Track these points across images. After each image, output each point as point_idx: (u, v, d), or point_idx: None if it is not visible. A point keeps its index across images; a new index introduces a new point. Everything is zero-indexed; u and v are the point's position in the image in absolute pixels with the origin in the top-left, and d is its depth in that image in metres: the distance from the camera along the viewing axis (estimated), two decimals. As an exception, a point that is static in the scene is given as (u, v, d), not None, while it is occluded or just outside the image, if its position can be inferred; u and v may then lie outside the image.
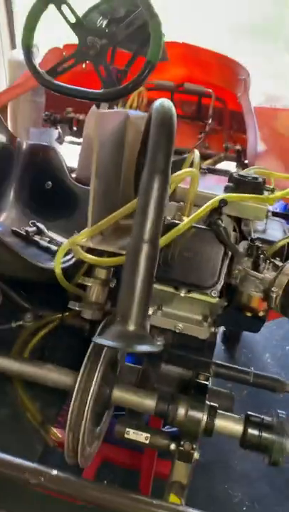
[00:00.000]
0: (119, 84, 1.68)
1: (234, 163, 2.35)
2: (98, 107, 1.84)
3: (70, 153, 2.17)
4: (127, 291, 0.80)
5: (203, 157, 2.52)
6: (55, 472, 0.70)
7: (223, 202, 0.97)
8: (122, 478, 2.21)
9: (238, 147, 2.24)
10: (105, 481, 2.20)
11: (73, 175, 1.89)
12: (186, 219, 0.99)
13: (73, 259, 1.21)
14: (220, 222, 0.96)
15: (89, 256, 1.02)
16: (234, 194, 1.08)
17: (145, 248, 0.80)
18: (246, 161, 2.09)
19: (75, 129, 2.43)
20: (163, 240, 0.97)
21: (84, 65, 1.60)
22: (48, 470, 0.70)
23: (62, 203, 1.82)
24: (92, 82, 1.53)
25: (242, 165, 2.21)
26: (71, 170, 1.88)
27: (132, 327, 0.78)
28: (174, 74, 2.69)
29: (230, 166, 2.38)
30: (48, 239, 1.66)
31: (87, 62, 1.59)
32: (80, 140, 2.24)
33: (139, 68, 1.43)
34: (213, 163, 2.33)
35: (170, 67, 2.49)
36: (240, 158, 2.28)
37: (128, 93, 1.64)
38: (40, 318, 1.44)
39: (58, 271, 1.08)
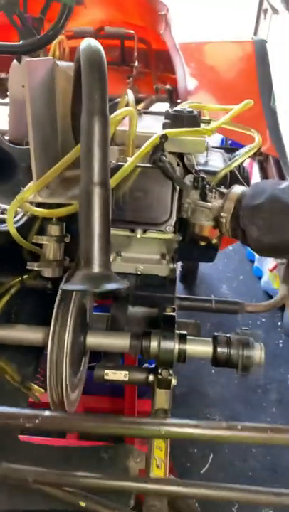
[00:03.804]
0: (37, 34, 1.60)
1: (167, 104, 2.34)
2: (19, 61, 1.75)
3: None
4: (86, 235, 0.81)
5: (135, 101, 2.50)
6: (47, 413, 0.74)
7: (164, 137, 0.98)
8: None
9: (168, 87, 2.23)
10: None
11: (6, 137, 1.82)
12: (130, 159, 1.00)
13: (23, 219, 1.20)
14: (164, 158, 0.98)
15: (40, 210, 1.02)
16: (173, 130, 1.09)
17: (97, 190, 0.81)
18: (179, 100, 2.09)
19: (-3, 88, 2.31)
20: (111, 183, 0.98)
21: None
22: (40, 412, 0.73)
23: (1, 167, 1.76)
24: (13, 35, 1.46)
25: (174, 104, 2.21)
26: (3, 133, 1.81)
27: (96, 269, 0.80)
28: (93, 18, 2.58)
29: (162, 107, 2.38)
30: None
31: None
32: (6, 100, 2.13)
33: (55, 16, 1.37)
34: (146, 107, 2.32)
35: (87, 11, 2.38)
36: (172, 97, 2.28)
37: (49, 42, 1.57)
38: (-1, 285, 1.43)
39: (13, 230, 1.07)
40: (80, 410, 2.20)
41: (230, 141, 2.50)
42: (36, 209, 1.02)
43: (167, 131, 1.05)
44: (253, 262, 3.26)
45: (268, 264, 2.97)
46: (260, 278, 3.13)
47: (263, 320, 2.87)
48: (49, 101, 1.09)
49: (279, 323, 2.89)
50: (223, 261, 3.40)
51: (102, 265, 0.80)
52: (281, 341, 2.79)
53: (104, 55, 0.85)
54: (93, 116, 0.81)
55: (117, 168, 0.99)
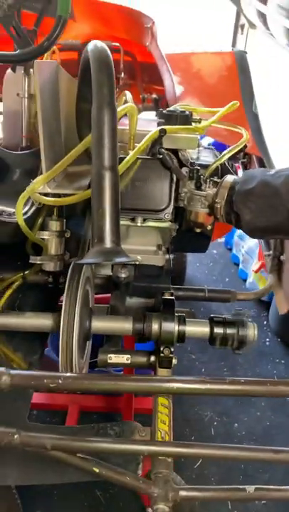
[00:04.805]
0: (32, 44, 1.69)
1: (153, 113, 2.45)
2: (14, 70, 1.84)
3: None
4: (98, 215, 0.89)
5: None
6: (68, 374, 0.81)
7: (163, 131, 1.08)
8: (102, 422, 2.37)
9: (154, 96, 2.34)
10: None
11: (-1, 144, 1.88)
12: (132, 152, 1.09)
13: (29, 213, 1.27)
14: (163, 150, 1.08)
15: (50, 198, 1.09)
16: (170, 126, 1.19)
17: (107, 174, 0.89)
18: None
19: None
20: None
21: None
22: (62, 374, 0.80)
23: None
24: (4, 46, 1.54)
25: (161, 112, 2.32)
26: None
27: (108, 244, 0.88)
28: (79, 33, 2.69)
29: (149, 115, 2.49)
30: None
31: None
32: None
33: (47, 29, 1.46)
34: (134, 115, 2.42)
35: (74, 25, 2.49)
36: (158, 106, 2.39)
37: (45, 51, 1.66)
38: (1, 281, 1.48)
39: (21, 222, 1.14)
40: (77, 410, 2.25)
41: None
42: (47, 198, 1.09)
43: (166, 126, 1.14)
44: (237, 265, 3.37)
45: (252, 266, 3.08)
46: (245, 280, 3.23)
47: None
48: (54, 100, 1.18)
49: (265, 323, 2.99)
50: (209, 265, 3.51)
51: (114, 241, 0.88)
52: (268, 339, 2.89)
53: (110, 55, 0.94)
54: (103, 108, 0.90)
55: (120, 160, 1.08)
